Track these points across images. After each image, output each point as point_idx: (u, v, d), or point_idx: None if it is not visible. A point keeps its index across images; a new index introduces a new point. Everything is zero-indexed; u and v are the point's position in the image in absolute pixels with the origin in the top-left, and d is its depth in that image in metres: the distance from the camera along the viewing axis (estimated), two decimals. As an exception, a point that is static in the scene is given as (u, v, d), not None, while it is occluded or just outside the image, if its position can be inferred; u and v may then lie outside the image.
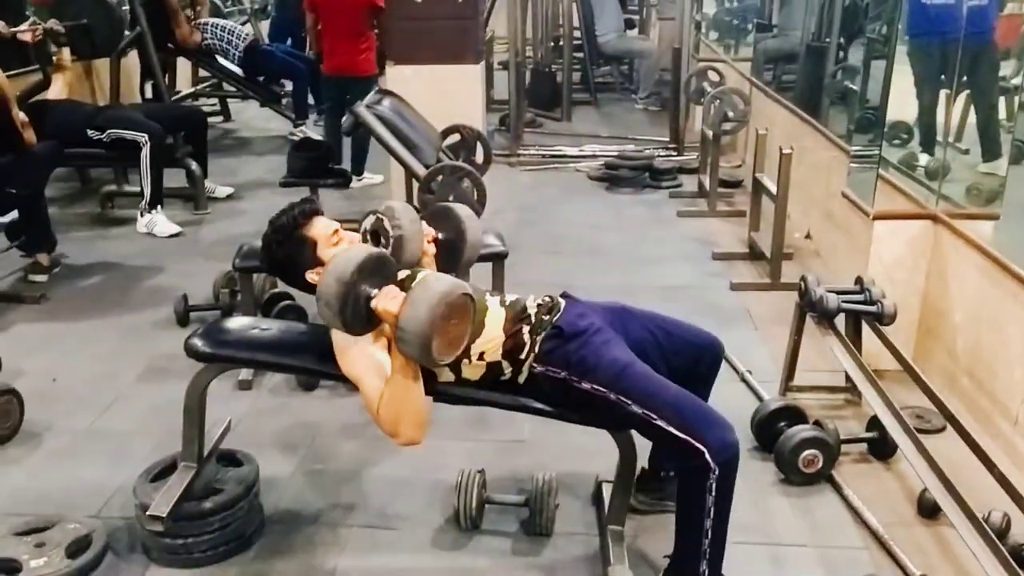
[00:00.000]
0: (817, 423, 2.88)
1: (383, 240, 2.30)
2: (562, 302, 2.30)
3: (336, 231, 2.27)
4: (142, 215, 5.18)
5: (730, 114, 5.03)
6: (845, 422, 3.12)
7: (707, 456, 1.97)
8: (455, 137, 4.89)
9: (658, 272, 4.59)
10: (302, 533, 2.57)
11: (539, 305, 2.27)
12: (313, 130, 7.50)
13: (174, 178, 5.56)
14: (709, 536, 2.04)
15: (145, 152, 4.98)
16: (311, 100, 7.91)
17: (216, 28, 6.95)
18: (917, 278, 3.36)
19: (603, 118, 8.33)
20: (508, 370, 2.20)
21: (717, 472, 1.96)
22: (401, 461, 2.94)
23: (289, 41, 8.45)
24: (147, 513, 2.29)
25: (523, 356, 2.19)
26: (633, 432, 2.23)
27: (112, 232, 5.27)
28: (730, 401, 2.79)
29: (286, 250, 2.26)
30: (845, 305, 2.94)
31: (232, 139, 7.68)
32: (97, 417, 3.24)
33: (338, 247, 2.24)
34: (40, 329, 3.97)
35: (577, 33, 8.70)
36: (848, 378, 3.28)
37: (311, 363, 2.31)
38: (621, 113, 8.55)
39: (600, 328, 2.22)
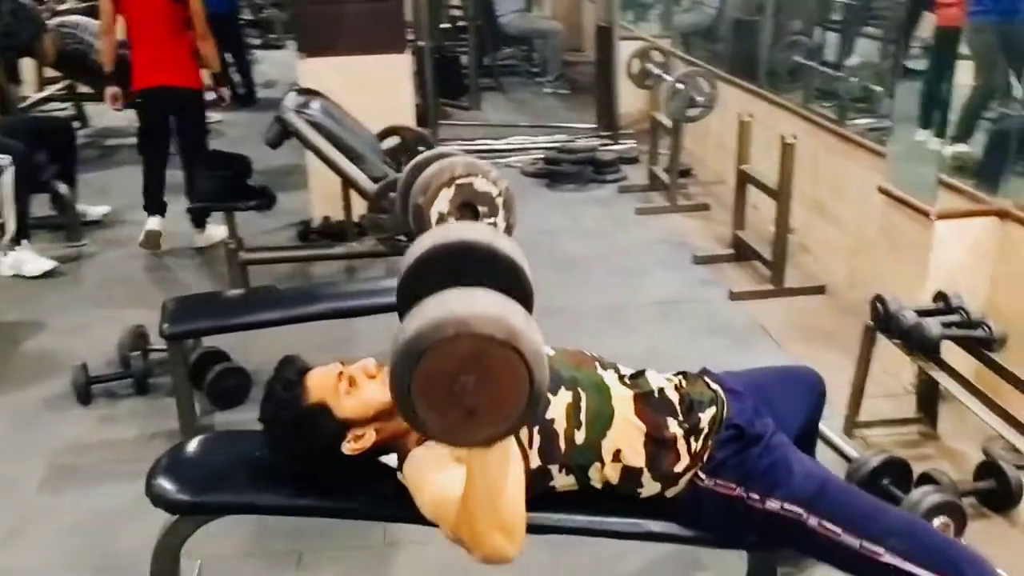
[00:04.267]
0: (927, 477, 2.39)
1: (484, 212, 1.61)
2: (718, 388, 1.69)
3: (340, 374, 1.60)
4: (5, 254, 4.22)
5: (698, 99, 4.51)
6: (931, 463, 2.65)
7: (968, 604, 1.42)
8: (390, 140, 4.19)
9: (641, 285, 4.04)
10: None
11: (679, 388, 1.66)
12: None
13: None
14: None
15: (7, 177, 4.05)
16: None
17: (75, 28, 5.93)
18: (980, 283, 2.93)
19: (514, 105, 7.71)
20: (651, 485, 1.59)
21: None
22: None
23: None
24: None
25: (680, 468, 1.58)
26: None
27: (-34, 279, 4.27)
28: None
29: (304, 442, 1.58)
30: (949, 332, 2.45)
31: (95, 148, 6.60)
32: (1, 550, 2.41)
33: (357, 389, 1.58)
34: None
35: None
36: (920, 408, 2.83)
37: (352, 503, 1.61)
38: (530, 98, 7.94)
39: (776, 429, 1.64)
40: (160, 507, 1.61)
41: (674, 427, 1.61)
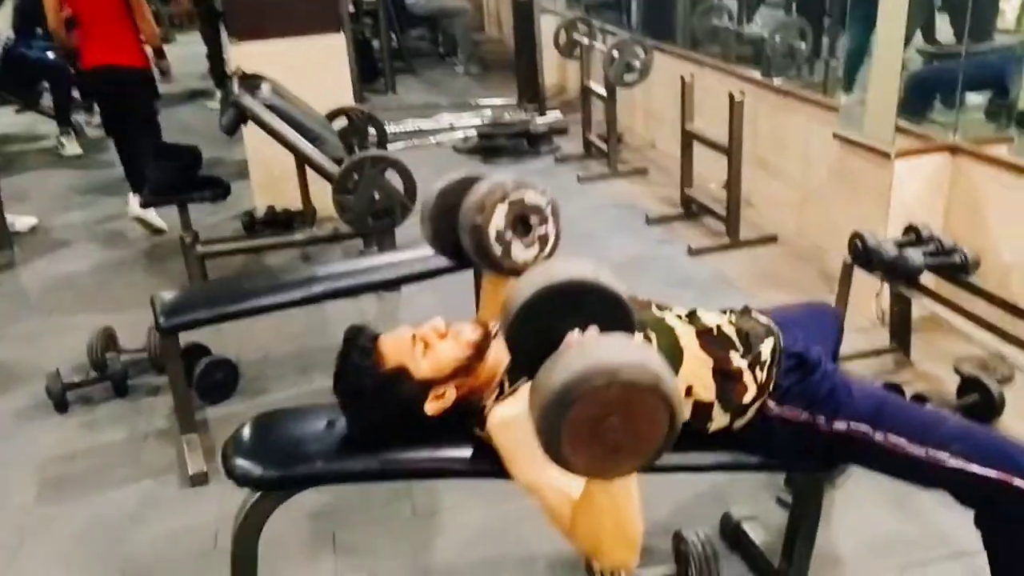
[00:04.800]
0: (920, 398, 2.55)
1: (535, 223, 1.64)
2: (768, 321, 1.76)
3: (414, 336, 1.62)
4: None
5: (635, 64, 4.61)
6: (912, 387, 2.81)
7: (1032, 495, 1.53)
8: (338, 121, 4.14)
9: (601, 248, 4.10)
10: None
11: (733, 323, 1.73)
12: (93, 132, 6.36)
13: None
14: None
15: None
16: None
17: None
18: (936, 216, 3.12)
19: (427, 86, 7.69)
20: (721, 417, 1.65)
21: None
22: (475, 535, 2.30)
23: (41, 31, 7.00)
24: None
25: (748, 398, 1.64)
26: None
27: None
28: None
29: (387, 406, 1.60)
30: (930, 260, 2.61)
31: (-2, 157, 6.26)
32: (8, 564, 2.31)
33: (432, 350, 1.61)
34: None
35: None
36: (894, 337, 3.01)
37: (438, 462, 1.61)
38: (445, 79, 7.93)
39: (824, 356, 1.73)
40: (247, 486, 1.59)
41: (737, 360, 1.67)
